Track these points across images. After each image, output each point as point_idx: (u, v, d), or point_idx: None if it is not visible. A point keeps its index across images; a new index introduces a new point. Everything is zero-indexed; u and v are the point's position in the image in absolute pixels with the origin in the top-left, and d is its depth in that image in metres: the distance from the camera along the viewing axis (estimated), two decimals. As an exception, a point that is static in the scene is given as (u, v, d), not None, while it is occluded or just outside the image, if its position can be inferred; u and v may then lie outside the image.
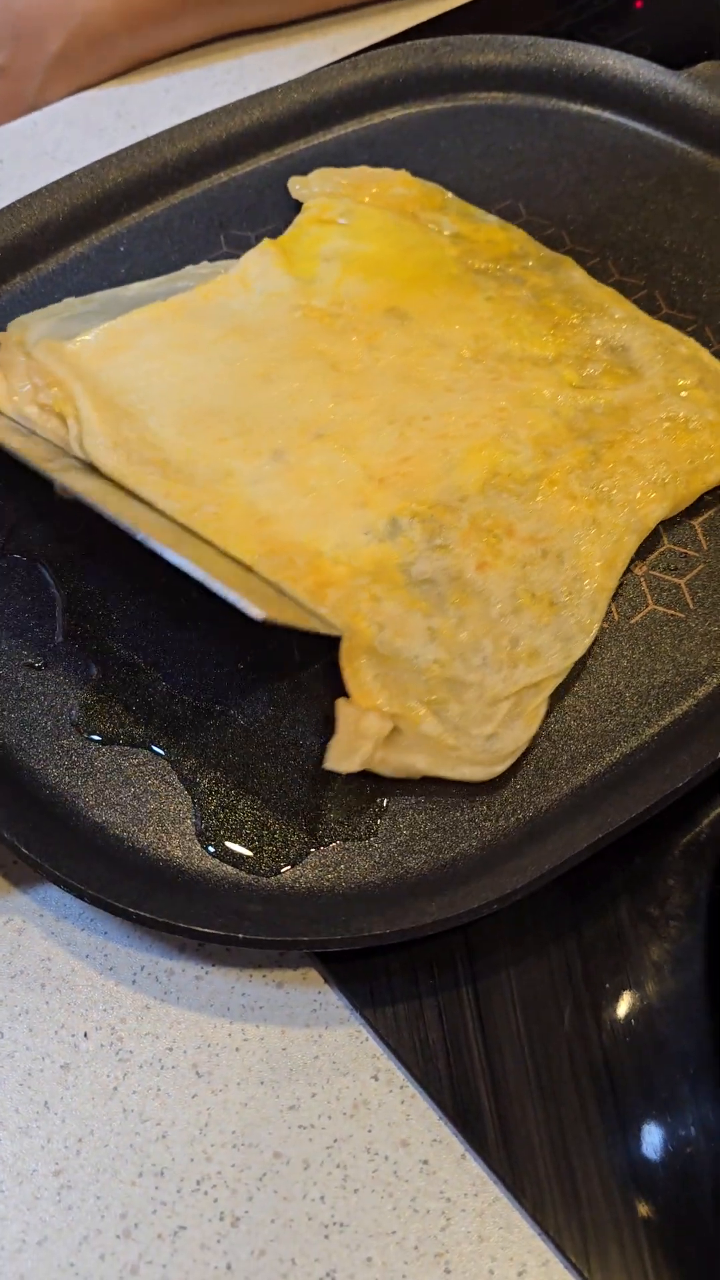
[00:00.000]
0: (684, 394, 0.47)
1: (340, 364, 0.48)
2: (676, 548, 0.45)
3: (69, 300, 0.51)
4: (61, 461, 0.44)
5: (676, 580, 0.44)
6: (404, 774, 0.39)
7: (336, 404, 0.46)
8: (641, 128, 0.59)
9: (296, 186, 0.56)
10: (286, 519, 0.43)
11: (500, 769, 0.39)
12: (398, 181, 0.55)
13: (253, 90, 0.64)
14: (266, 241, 0.52)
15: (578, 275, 0.52)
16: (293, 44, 0.67)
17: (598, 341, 0.49)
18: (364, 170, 0.56)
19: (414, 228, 0.53)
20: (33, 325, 0.49)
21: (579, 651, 0.41)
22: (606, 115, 0.60)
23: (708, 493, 0.46)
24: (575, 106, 0.60)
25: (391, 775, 0.39)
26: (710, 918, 0.37)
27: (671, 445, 0.46)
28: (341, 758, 0.38)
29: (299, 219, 0.54)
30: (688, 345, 0.49)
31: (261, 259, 0.51)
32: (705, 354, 0.49)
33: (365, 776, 0.39)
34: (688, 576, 0.44)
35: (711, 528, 0.45)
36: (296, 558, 0.42)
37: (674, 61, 0.60)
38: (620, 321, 0.50)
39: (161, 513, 0.43)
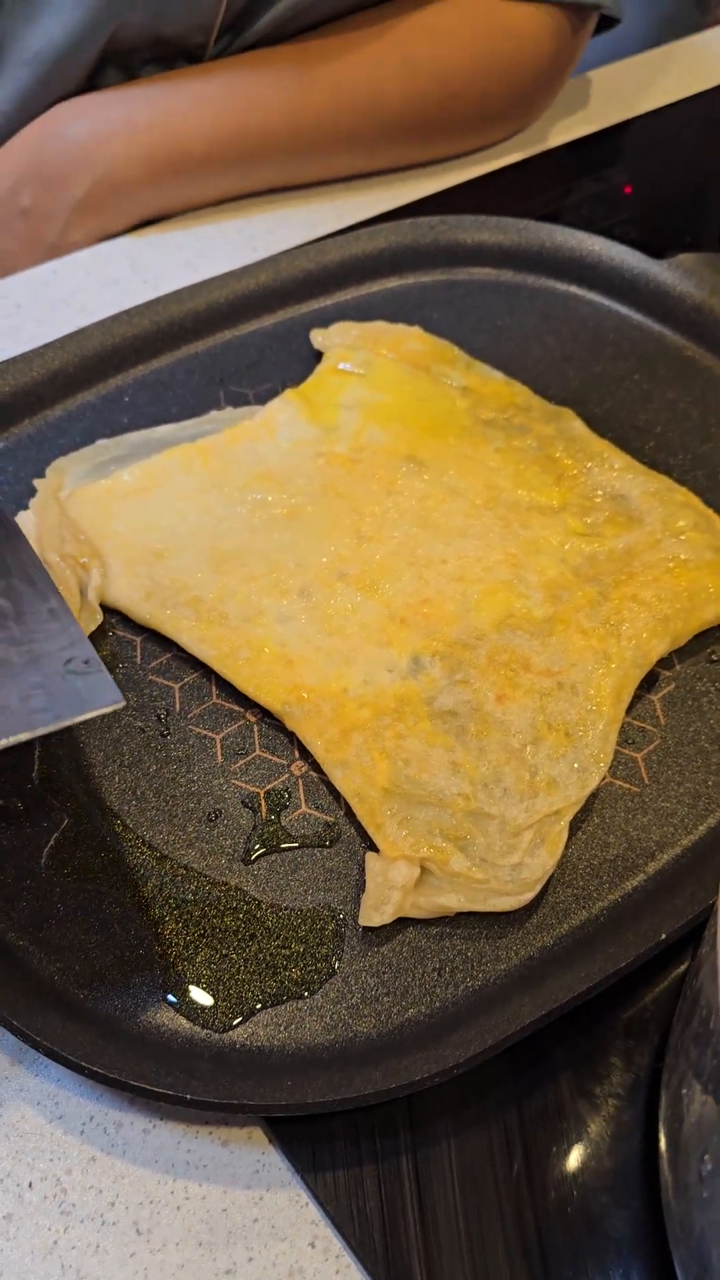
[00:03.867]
0: (683, 536, 0.50)
1: (361, 507, 0.50)
2: (635, 722, 0.46)
3: (101, 443, 0.54)
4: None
5: (634, 754, 0.46)
6: (436, 914, 0.40)
7: (358, 545, 0.49)
8: (624, 310, 0.63)
9: (319, 338, 0.59)
10: (314, 658, 0.45)
11: (529, 896, 0.40)
12: (412, 336, 0.59)
13: (260, 249, 0.68)
14: (289, 391, 0.55)
15: (578, 426, 0.56)
16: (302, 206, 0.72)
17: (599, 491, 0.52)
18: (380, 325, 0.60)
19: (427, 380, 0.56)
20: (69, 470, 0.52)
21: (594, 783, 0.43)
22: (592, 296, 0.63)
23: (664, 668, 0.48)
24: (562, 286, 0.64)
25: (423, 917, 0.40)
26: (649, 1098, 0.38)
27: (673, 583, 0.48)
28: (374, 910, 0.40)
29: (320, 369, 0.57)
30: (682, 493, 0.52)
31: (286, 407, 0.54)
32: (698, 501, 0.52)
33: (322, 935, 0.40)
34: (645, 751, 0.46)
35: (670, 703, 0.47)
36: (323, 704, 0.44)
37: (658, 246, 0.64)
38: (621, 471, 0.53)
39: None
